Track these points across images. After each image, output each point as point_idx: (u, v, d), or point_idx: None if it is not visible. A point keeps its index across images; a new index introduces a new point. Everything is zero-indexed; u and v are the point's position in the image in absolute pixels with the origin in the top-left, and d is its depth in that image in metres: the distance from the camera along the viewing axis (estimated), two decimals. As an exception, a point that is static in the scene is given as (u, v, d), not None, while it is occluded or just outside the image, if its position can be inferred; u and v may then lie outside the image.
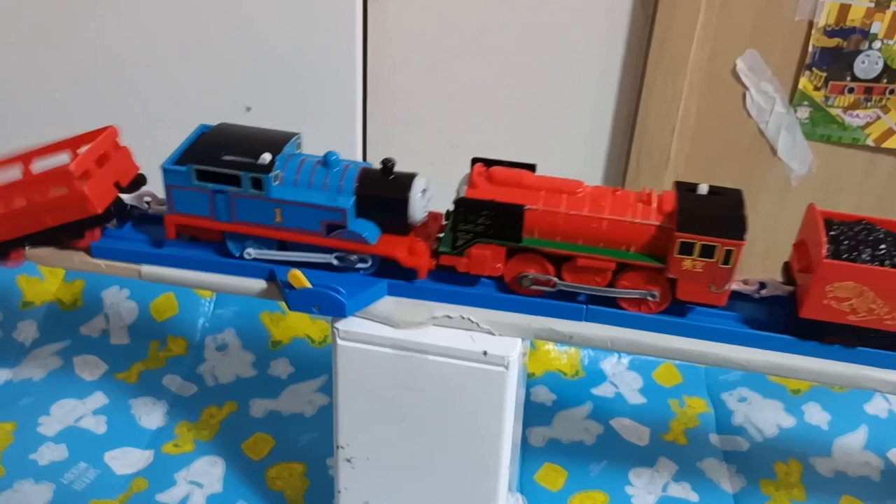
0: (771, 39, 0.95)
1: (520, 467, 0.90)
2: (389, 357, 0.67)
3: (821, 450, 0.94)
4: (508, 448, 0.70)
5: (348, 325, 0.67)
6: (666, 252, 0.62)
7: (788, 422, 0.97)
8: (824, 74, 0.98)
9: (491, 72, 1.01)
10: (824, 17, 0.95)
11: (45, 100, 1.06)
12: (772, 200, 1.03)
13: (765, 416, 0.98)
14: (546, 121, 1.03)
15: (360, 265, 0.68)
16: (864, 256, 0.62)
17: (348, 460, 0.73)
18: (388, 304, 0.68)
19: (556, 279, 0.66)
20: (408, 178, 0.66)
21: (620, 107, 1.01)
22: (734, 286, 0.66)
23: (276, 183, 0.67)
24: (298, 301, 0.66)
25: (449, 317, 0.67)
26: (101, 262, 0.72)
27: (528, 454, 0.93)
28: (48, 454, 0.90)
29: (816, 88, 0.98)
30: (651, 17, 0.93)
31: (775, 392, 1.01)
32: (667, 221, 0.63)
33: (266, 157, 0.66)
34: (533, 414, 0.97)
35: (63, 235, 0.72)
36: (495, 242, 0.65)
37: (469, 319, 0.67)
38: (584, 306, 0.66)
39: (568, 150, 1.04)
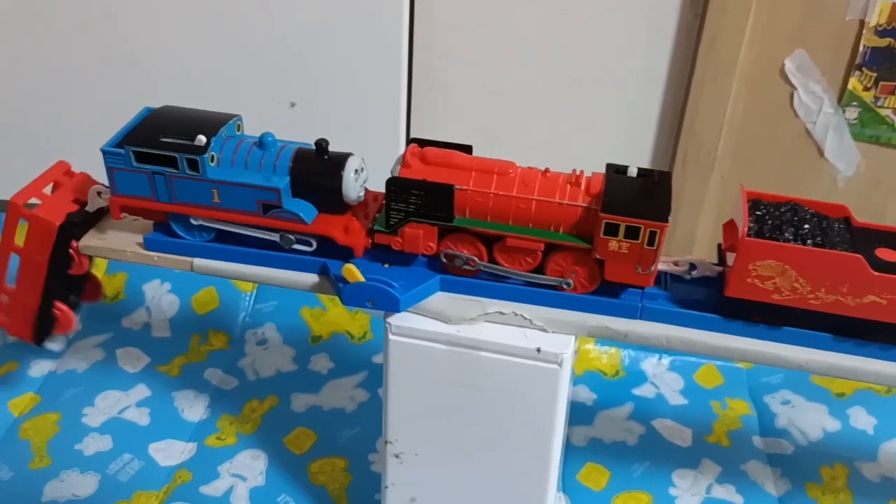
0: (820, 39, 0.94)
1: (562, 467, 0.90)
2: (441, 353, 0.67)
3: (867, 454, 0.93)
4: (559, 446, 0.70)
5: (401, 320, 0.67)
6: (593, 233, 0.63)
7: (833, 425, 0.96)
8: (874, 75, 0.96)
9: (536, 67, 1.00)
10: (876, 17, 0.94)
11: (83, 98, 1.06)
12: (818, 201, 1.02)
13: (809, 420, 0.97)
14: (591, 118, 1.02)
15: (298, 245, 0.69)
16: (786, 235, 0.62)
17: (397, 456, 0.73)
18: (441, 300, 0.68)
19: (478, 261, 0.66)
20: (341, 158, 0.67)
21: (666, 105, 1.00)
22: (665, 267, 0.67)
23: (213, 164, 0.68)
24: (352, 295, 0.66)
25: (502, 313, 0.67)
26: (154, 255, 0.72)
27: (570, 453, 0.92)
28: (93, 445, 0.91)
29: (866, 89, 0.97)
30: (700, 16, 0.93)
31: (819, 395, 1.00)
32: (594, 203, 0.63)
33: (201, 139, 0.67)
34: (574, 413, 0.97)
35: (62, 271, 0.76)
36: (427, 222, 0.66)
37: (522, 316, 0.66)
38: (640, 304, 0.66)
39: (612, 147, 1.03)
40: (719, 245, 0.69)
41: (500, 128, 1.03)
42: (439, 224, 0.66)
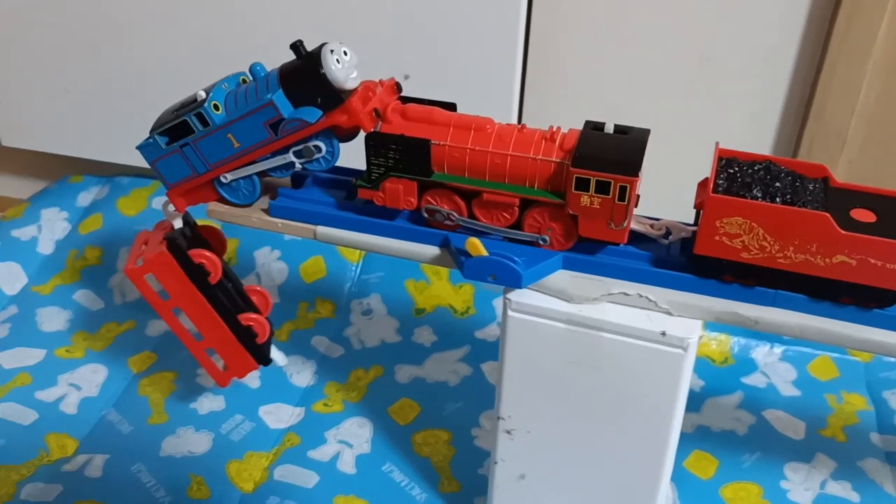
0: (966, 18, 0.89)
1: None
2: (561, 332, 0.66)
3: None
4: (677, 433, 0.68)
5: (520, 296, 0.67)
6: (567, 189, 0.63)
7: (958, 426, 0.92)
8: None
9: (662, 44, 0.97)
10: None
11: (191, 70, 1.09)
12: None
13: (932, 419, 0.93)
14: (714, 97, 0.98)
15: (317, 155, 0.69)
16: (755, 192, 0.60)
17: (508, 432, 0.73)
18: (563, 278, 0.67)
19: (457, 216, 0.67)
20: (317, 49, 0.67)
21: (794, 87, 0.96)
22: (642, 229, 0.67)
23: (218, 112, 0.70)
24: (474, 269, 0.66)
25: (626, 294, 0.65)
26: (278, 221, 0.73)
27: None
28: (207, 404, 0.94)
29: None
30: (837, -6, 0.88)
31: (943, 394, 0.96)
32: (567, 158, 0.63)
33: (201, 94, 0.70)
34: (681, 399, 0.95)
35: (209, 286, 0.78)
36: (406, 177, 0.67)
37: (647, 298, 0.65)
38: (774, 291, 0.63)
39: (735, 128, 1.00)
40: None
41: (620, 107, 1.00)
42: (418, 179, 0.67)
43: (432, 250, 0.70)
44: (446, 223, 0.69)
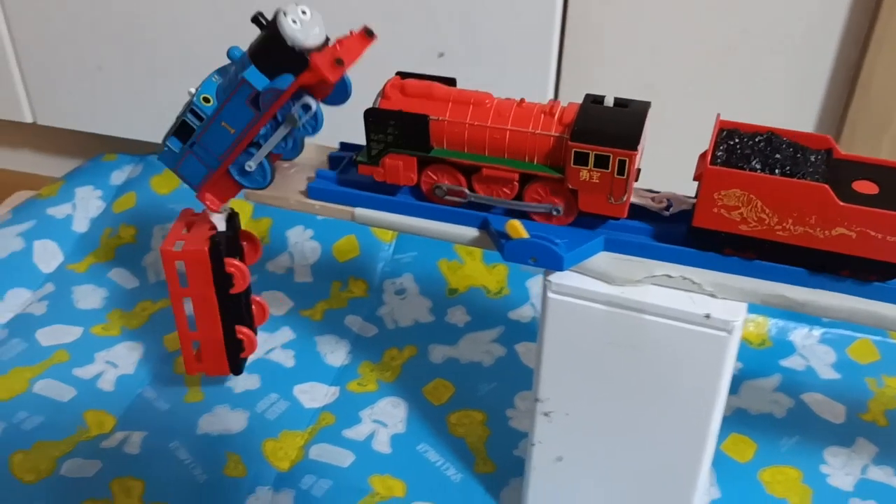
0: None
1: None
2: (602, 314, 0.65)
3: None
4: (720, 417, 0.68)
5: (561, 278, 0.66)
6: (566, 163, 0.63)
7: None
8: None
9: (698, 18, 0.95)
10: None
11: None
12: None
13: (976, 404, 0.91)
14: (756, 70, 0.96)
15: (303, 118, 0.69)
16: (753, 164, 0.59)
17: (546, 414, 0.72)
18: (604, 260, 0.66)
19: (467, 190, 0.67)
20: (274, 15, 0.66)
21: (840, 62, 0.93)
22: (642, 202, 0.67)
23: (209, 104, 0.71)
24: (515, 252, 0.65)
25: (669, 276, 0.64)
26: (316, 203, 0.73)
27: (714, 422, 0.90)
28: (242, 383, 0.94)
29: None
30: (889, -39, 0.86)
31: None
32: (565, 132, 0.63)
33: (191, 90, 0.71)
34: (718, 381, 0.94)
35: (229, 294, 0.81)
36: (406, 152, 0.67)
37: (691, 280, 0.64)
38: (821, 274, 0.62)
39: (776, 102, 0.97)
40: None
41: (657, 82, 0.98)
42: (418, 154, 0.67)
43: (471, 232, 0.69)
44: (447, 199, 0.68)
